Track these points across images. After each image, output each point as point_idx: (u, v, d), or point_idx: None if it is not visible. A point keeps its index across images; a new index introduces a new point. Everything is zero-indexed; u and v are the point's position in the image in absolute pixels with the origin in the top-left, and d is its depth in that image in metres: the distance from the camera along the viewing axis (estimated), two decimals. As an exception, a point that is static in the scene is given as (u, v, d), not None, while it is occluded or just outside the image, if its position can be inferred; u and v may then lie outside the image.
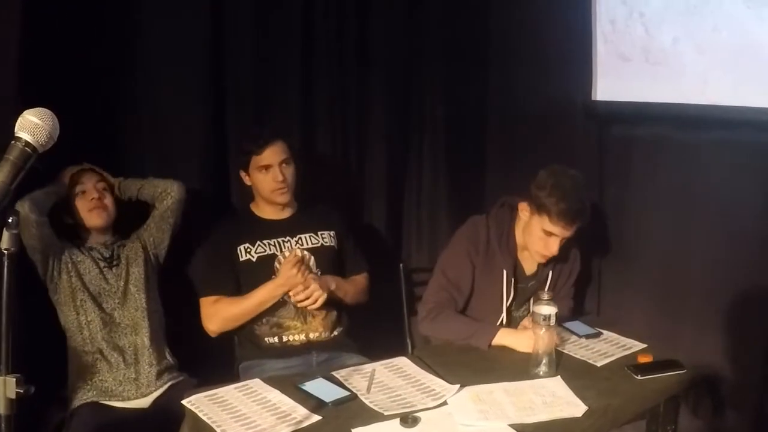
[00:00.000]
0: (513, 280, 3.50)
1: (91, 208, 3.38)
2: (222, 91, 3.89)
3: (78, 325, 3.28)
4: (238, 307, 3.42)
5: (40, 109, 1.70)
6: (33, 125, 1.67)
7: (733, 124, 3.52)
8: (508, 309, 3.54)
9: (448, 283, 3.47)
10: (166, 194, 3.51)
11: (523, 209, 3.40)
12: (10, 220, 1.64)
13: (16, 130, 1.67)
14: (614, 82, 3.96)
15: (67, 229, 3.40)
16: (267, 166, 3.47)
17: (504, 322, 3.51)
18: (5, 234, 1.64)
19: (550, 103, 4.21)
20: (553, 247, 3.30)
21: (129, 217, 3.55)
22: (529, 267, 3.59)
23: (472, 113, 4.49)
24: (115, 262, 3.41)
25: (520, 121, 4.38)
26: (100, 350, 3.28)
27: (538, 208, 3.28)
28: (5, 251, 1.65)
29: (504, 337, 3.22)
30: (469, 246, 3.50)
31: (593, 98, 4.03)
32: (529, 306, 3.58)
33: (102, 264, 3.38)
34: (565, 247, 3.42)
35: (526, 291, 3.59)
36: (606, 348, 3.18)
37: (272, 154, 3.47)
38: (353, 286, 3.67)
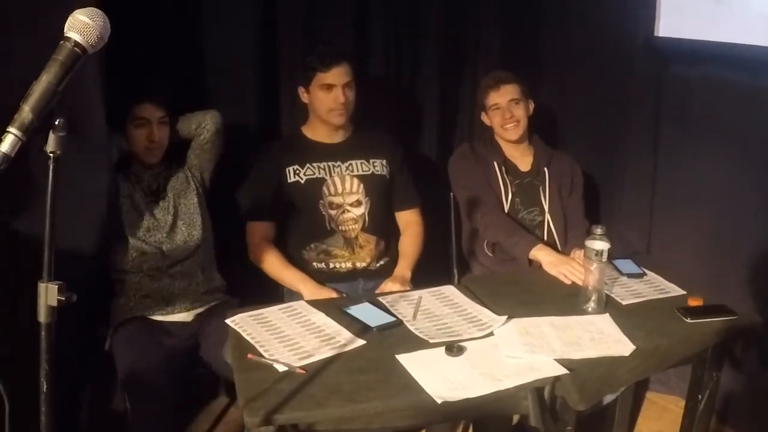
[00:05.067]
0: (504, 170, 3.76)
1: (149, 148, 3.31)
2: (273, 13, 3.81)
3: (123, 252, 3.27)
4: (273, 269, 3.43)
5: (91, 8, 1.64)
6: (83, 25, 1.61)
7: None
8: (515, 210, 3.74)
9: (473, 192, 3.66)
10: (201, 129, 3.45)
11: (484, 117, 3.87)
12: (57, 122, 1.60)
13: (65, 30, 1.62)
14: (677, 19, 3.82)
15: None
16: (330, 86, 3.42)
17: None
18: (51, 136, 1.60)
19: (610, 37, 4.08)
20: (506, 113, 3.72)
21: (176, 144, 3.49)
22: (524, 164, 3.85)
23: (527, 44, 4.39)
24: (162, 195, 3.37)
25: (578, 55, 4.26)
26: (147, 273, 3.29)
27: (481, 99, 3.82)
28: (51, 154, 1.61)
29: (539, 252, 3.37)
30: (461, 162, 3.81)
31: (655, 34, 3.91)
32: (540, 208, 3.77)
33: (149, 199, 3.34)
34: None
35: (526, 187, 3.79)
36: (642, 289, 3.11)
37: (337, 75, 3.42)
38: (416, 245, 3.66)
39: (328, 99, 3.44)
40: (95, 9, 1.65)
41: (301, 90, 3.52)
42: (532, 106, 3.80)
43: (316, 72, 3.42)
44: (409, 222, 3.71)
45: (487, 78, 3.84)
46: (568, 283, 3.13)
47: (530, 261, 3.43)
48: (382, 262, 3.59)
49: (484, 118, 3.86)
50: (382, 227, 3.61)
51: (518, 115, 3.72)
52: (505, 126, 3.73)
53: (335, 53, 3.47)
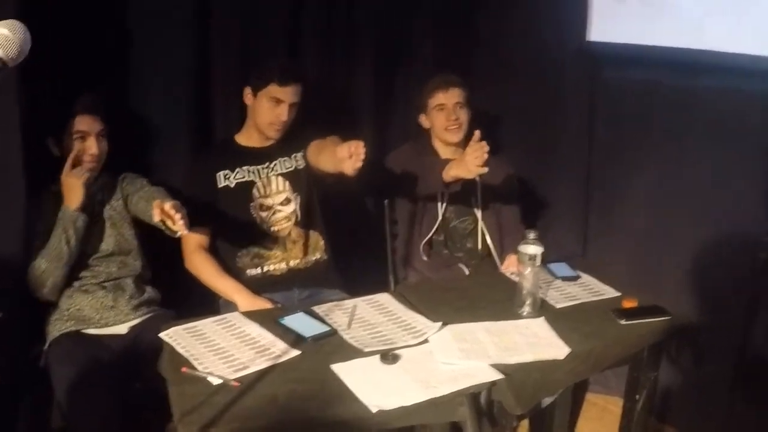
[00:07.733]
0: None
1: (88, 161, 3.22)
2: (206, 14, 3.76)
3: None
4: (208, 278, 3.41)
5: (11, 20, 1.62)
6: (3, 38, 1.59)
7: (728, 71, 3.47)
8: (446, 219, 3.78)
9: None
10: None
11: (423, 120, 3.85)
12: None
13: None
14: (610, 23, 3.88)
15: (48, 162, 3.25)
16: (279, 101, 3.42)
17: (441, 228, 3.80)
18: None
19: (542, 42, 4.12)
20: (450, 115, 3.73)
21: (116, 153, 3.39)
22: None
23: (460, 50, 4.39)
24: (96, 219, 3.28)
25: (511, 61, 4.29)
26: (79, 288, 3.25)
27: (424, 99, 3.80)
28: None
29: (453, 169, 3.35)
30: (406, 154, 3.82)
31: (587, 39, 3.96)
32: (473, 216, 3.82)
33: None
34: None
35: (459, 195, 3.69)
36: (576, 292, 3.13)
37: (290, 93, 3.43)
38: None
39: (272, 112, 3.44)
40: (15, 21, 1.63)
41: (247, 91, 3.50)
42: (470, 114, 3.80)
43: (270, 83, 3.42)
44: None
45: (434, 79, 3.81)
46: (478, 167, 3.20)
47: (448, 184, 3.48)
48: (316, 257, 3.62)
49: (423, 120, 3.85)
50: (315, 221, 3.64)
51: (462, 118, 3.73)
52: (449, 128, 3.74)
53: (296, 72, 3.51)
